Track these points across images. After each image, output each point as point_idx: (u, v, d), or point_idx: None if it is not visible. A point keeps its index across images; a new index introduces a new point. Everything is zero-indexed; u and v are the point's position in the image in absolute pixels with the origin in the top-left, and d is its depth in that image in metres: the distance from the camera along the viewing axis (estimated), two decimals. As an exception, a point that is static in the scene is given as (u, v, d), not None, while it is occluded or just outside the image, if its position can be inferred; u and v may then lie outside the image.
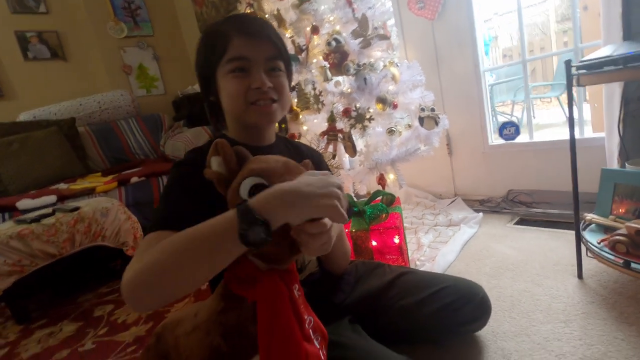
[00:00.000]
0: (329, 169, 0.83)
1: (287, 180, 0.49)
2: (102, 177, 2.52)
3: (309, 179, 0.47)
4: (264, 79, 0.63)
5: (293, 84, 1.27)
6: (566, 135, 0.99)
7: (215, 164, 0.53)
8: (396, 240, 1.11)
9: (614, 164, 1.21)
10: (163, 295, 0.45)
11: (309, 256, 0.74)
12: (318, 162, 0.80)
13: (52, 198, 2.05)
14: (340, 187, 0.47)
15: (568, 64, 0.90)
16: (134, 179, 2.40)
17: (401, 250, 1.13)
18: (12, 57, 2.88)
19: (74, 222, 1.63)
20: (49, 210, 1.71)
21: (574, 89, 0.93)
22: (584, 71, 0.87)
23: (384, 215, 1.12)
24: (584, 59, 0.84)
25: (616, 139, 1.16)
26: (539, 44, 5.58)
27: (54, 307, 1.64)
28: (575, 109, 0.95)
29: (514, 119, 3.89)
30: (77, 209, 1.70)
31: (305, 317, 0.53)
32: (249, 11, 1.51)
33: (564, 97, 4.28)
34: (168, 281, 0.44)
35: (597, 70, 0.82)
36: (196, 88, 3.37)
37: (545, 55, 4.87)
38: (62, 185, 2.27)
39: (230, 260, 0.46)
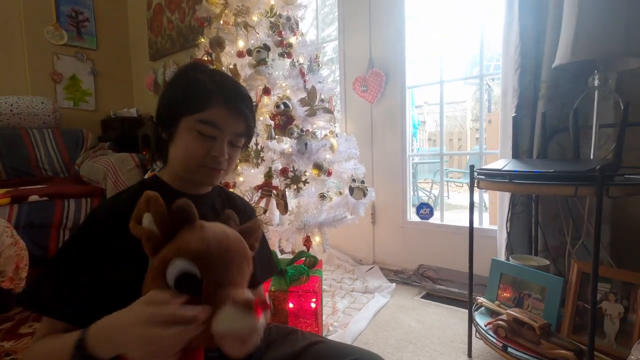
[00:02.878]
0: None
1: (222, 275, 0.46)
2: (-8, 189, 2.17)
3: (145, 311, 0.45)
4: (225, 151, 0.65)
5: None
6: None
7: (147, 221, 0.48)
8: (313, 304, 1.13)
9: (502, 255, 1.42)
10: None
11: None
12: (250, 216, 0.81)
13: None
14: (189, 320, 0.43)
15: (472, 168, 1.09)
16: (34, 197, 2.11)
17: (316, 315, 1.14)
18: None
19: (-61, 240, 1.35)
20: None
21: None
22: (482, 177, 1.05)
23: (304, 277, 1.15)
24: (483, 167, 1.03)
25: (505, 234, 1.38)
26: (457, 135, 6.53)
27: None
28: (479, 198, 1.12)
29: (432, 197, 4.36)
30: (-52, 224, 1.42)
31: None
32: (206, 59, 1.55)
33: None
34: None
35: (491, 179, 1.00)
36: (132, 112, 3.22)
37: (459, 152, 5.77)
38: None
39: None
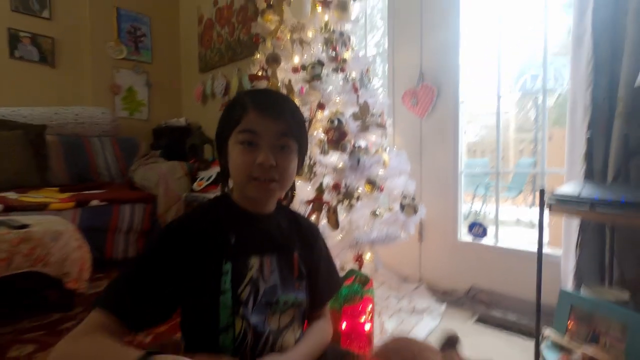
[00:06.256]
0: (326, 247, 0.83)
1: None
2: (59, 192, 2.35)
3: None
4: (269, 156, 0.63)
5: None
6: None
7: None
8: (367, 327, 1.10)
9: (568, 282, 1.32)
10: None
11: None
12: (315, 237, 0.80)
13: (-3, 207, 1.87)
14: None
15: (542, 193, 1.02)
16: (95, 202, 2.26)
17: (369, 338, 1.11)
18: (-3, 52, 2.78)
19: (18, 241, 1.47)
20: (-9, 222, 1.54)
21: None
22: (554, 202, 0.98)
23: (358, 297, 1.12)
24: (558, 192, 0.96)
25: (572, 262, 1.28)
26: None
27: (-40, 338, 1.40)
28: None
29: (473, 211, 4.18)
30: (25, 226, 1.54)
31: None
32: (260, 74, 1.60)
33: (517, 199, 4.70)
34: None
35: (567, 205, 0.93)
36: (182, 121, 3.37)
37: (515, 169, 5.27)
38: (12, 195, 2.07)
39: None
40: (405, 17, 1.96)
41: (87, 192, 2.40)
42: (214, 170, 2.30)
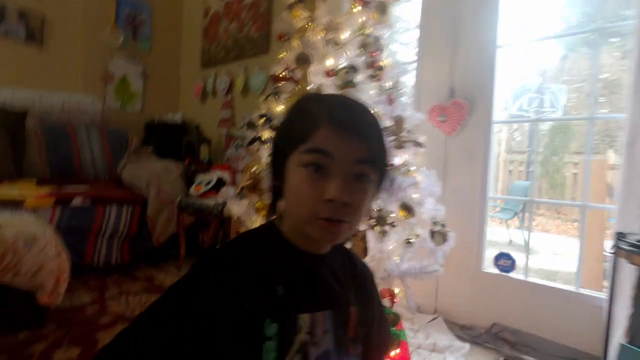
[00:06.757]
0: (380, 298, 0.67)
1: None
2: (36, 185, 2.10)
3: None
4: (343, 190, 0.47)
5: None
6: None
7: None
8: (406, 381, 0.94)
9: (616, 331, 1.19)
10: None
11: None
12: (372, 285, 0.65)
13: (-39, 203, 1.62)
14: None
15: (618, 238, 0.89)
16: (77, 200, 2.03)
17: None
18: (-22, 25, 2.51)
19: (-17, 246, 1.25)
20: (-46, 222, 1.31)
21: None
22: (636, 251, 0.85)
23: (395, 343, 0.96)
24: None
25: (624, 309, 1.16)
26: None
27: None
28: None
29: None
30: (-6, 228, 1.32)
31: None
32: (282, 75, 1.43)
33: (510, 222, 4.66)
34: None
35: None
36: (177, 117, 3.15)
37: (556, 202, 5.13)
38: (-19, 187, 1.82)
39: None
40: (437, 28, 1.84)
41: (69, 187, 2.16)
42: (215, 175, 2.10)
